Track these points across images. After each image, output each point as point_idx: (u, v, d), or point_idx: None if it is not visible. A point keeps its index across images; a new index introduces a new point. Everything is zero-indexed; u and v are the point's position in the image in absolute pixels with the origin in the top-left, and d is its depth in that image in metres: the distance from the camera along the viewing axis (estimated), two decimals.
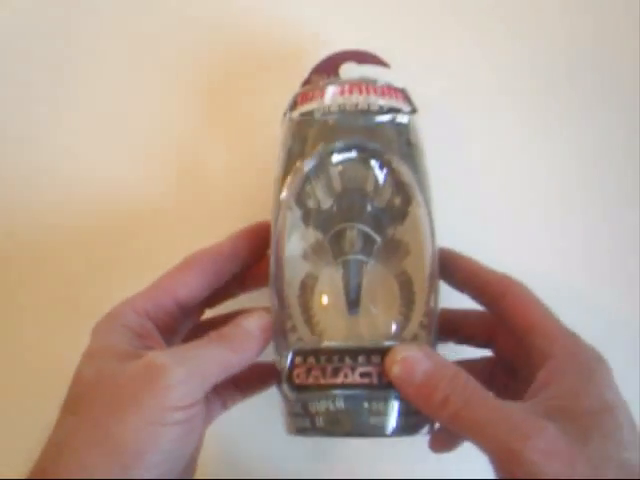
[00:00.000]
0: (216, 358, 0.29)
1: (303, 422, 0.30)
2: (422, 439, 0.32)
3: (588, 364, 0.29)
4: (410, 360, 0.28)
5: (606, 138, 0.39)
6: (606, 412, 0.27)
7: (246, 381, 0.34)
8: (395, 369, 0.28)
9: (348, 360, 0.30)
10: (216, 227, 0.36)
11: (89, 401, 0.28)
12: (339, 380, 0.29)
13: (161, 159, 0.39)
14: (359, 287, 0.31)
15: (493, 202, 0.39)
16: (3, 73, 0.41)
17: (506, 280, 0.32)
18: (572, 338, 0.30)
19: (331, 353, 0.30)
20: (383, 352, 0.29)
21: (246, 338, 0.30)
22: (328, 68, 0.36)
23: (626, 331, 0.37)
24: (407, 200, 0.32)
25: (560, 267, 0.38)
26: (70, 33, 0.41)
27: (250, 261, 0.34)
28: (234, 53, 0.39)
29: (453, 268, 0.33)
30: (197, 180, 0.39)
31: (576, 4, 0.40)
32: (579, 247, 0.38)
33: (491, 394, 0.28)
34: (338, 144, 0.32)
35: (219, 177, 0.39)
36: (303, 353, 0.30)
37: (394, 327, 0.31)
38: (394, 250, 0.32)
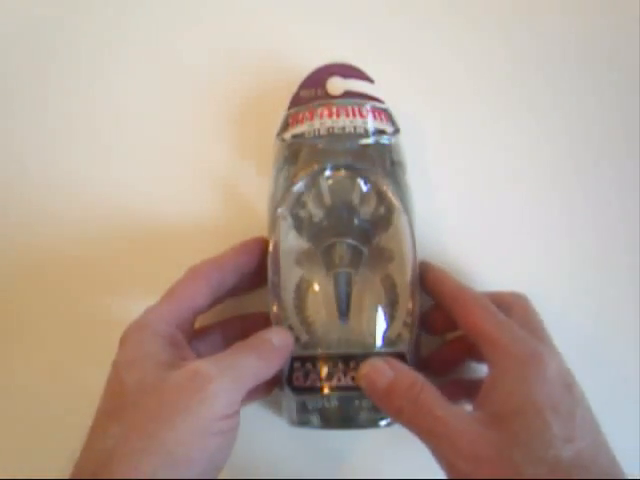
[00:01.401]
0: (251, 368, 0.30)
1: (302, 417, 0.34)
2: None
3: (524, 364, 0.30)
4: (372, 374, 0.31)
5: (595, 156, 0.40)
6: (533, 411, 0.28)
7: None
8: (361, 383, 0.32)
9: (341, 365, 0.34)
10: None
11: (135, 408, 0.28)
12: (333, 383, 0.33)
13: (188, 179, 0.40)
14: (348, 298, 0.35)
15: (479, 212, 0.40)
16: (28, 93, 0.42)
17: (456, 288, 0.34)
18: (513, 340, 0.31)
19: (325, 359, 0.34)
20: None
21: (274, 351, 0.31)
22: (315, 83, 0.38)
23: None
24: (390, 211, 0.36)
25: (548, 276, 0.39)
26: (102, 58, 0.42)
27: (249, 273, 0.35)
28: (266, 80, 0.40)
29: (425, 278, 0.36)
30: (227, 199, 0.40)
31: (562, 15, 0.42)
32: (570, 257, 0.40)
33: (442, 404, 0.29)
34: (327, 166, 0.35)
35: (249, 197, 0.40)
36: (301, 359, 0.34)
37: (381, 329, 0.34)
38: (379, 256, 0.35)
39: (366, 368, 0.32)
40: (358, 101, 0.36)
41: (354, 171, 0.36)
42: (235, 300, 0.38)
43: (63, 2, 0.42)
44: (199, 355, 0.32)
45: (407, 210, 0.36)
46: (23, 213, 0.40)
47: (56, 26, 0.42)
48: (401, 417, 0.30)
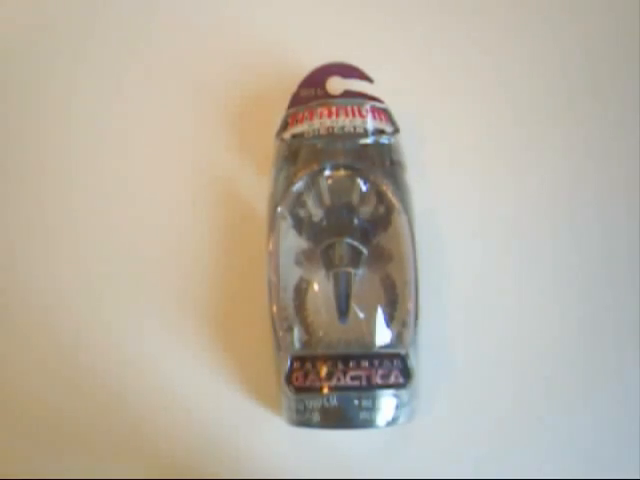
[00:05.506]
0: None
1: (302, 416, 0.34)
2: (421, 439, 0.37)
3: None
4: None
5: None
6: None
7: None
8: None
9: (340, 365, 0.33)
10: (247, 252, 0.38)
11: None
12: (332, 383, 0.33)
13: (188, 179, 0.40)
14: (348, 298, 0.35)
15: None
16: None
17: None
18: None
19: (325, 359, 0.34)
20: (370, 357, 0.34)
21: None
22: (315, 82, 0.38)
23: None
24: (390, 211, 0.36)
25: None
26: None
27: None
28: (266, 80, 0.40)
29: None
30: (227, 199, 0.40)
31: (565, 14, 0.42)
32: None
33: None
34: (326, 165, 0.36)
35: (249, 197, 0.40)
36: (300, 359, 0.34)
37: (380, 329, 0.35)
38: (379, 256, 0.36)
39: None
40: (358, 101, 0.36)
41: (354, 171, 0.36)
42: (234, 299, 0.38)
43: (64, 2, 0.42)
44: None
45: (407, 210, 0.36)
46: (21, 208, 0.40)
47: (57, 27, 0.42)
48: None
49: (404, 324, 0.35)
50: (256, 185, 0.39)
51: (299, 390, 0.34)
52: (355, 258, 0.35)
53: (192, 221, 0.39)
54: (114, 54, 0.42)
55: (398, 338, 0.35)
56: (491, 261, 0.38)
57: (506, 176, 0.40)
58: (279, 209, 0.36)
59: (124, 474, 0.37)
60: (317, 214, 0.36)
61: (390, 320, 0.35)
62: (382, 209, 0.36)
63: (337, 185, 0.36)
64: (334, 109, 0.36)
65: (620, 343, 0.37)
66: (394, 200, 0.36)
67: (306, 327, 0.35)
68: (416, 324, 0.35)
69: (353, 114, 0.36)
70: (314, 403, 0.34)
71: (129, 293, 0.39)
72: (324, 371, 0.34)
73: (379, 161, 0.36)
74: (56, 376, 0.38)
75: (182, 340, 0.38)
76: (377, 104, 0.36)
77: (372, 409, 0.34)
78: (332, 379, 0.33)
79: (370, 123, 0.36)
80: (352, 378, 0.33)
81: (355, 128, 0.35)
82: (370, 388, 0.33)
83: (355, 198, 0.36)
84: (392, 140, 0.36)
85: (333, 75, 0.38)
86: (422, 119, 0.39)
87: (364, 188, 0.36)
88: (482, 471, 0.36)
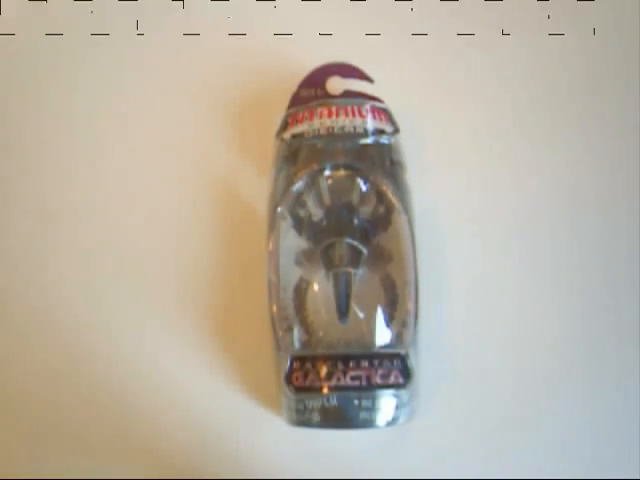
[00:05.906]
0: None
1: (302, 416, 0.34)
2: (421, 439, 0.37)
3: None
4: None
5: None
6: None
7: None
8: None
9: (340, 365, 0.34)
10: (247, 252, 0.38)
11: None
12: (332, 383, 0.33)
13: (188, 179, 0.40)
14: (348, 298, 0.35)
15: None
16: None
17: None
18: None
19: (325, 359, 0.34)
20: (370, 357, 0.34)
21: None
22: (315, 82, 0.38)
23: None
24: (390, 211, 0.36)
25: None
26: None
27: None
28: (266, 80, 0.40)
29: None
30: (227, 199, 0.40)
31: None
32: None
33: None
34: (326, 165, 0.36)
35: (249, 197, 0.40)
36: (300, 359, 0.34)
37: (380, 329, 0.35)
38: (379, 256, 0.36)
39: None
40: (358, 101, 0.36)
41: (354, 171, 0.36)
42: (234, 299, 0.38)
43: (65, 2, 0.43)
44: None
45: (407, 210, 0.36)
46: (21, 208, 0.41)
47: (58, 27, 0.42)
48: None
49: (404, 324, 0.35)
50: (256, 185, 0.39)
51: (299, 390, 0.34)
52: (355, 258, 0.35)
53: (192, 221, 0.39)
54: (114, 54, 0.42)
55: (398, 338, 0.35)
56: (491, 261, 0.38)
57: (506, 176, 0.40)
58: (279, 209, 0.36)
59: (124, 474, 0.37)
60: (317, 214, 0.36)
61: (390, 320, 0.35)
62: (382, 209, 0.36)
63: (337, 185, 0.36)
64: (334, 109, 0.36)
65: (620, 343, 0.37)
66: (394, 200, 0.36)
67: (306, 327, 0.35)
68: (416, 324, 0.35)
69: (353, 114, 0.36)
70: (314, 403, 0.34)
71: (129, 293, 0.39)
72: (324, 371, 0.34)
73: (379, 161, 0.36)
74: (56, 376, 0.38)
75: (182, 340, 0.38)
76: (377, 104, 0.36)
77: (372, 409, 0.34)
78: (332, 379, 0.33)
79: (370, 123, 0.36)
80: (352, 378, 0.33)
81: (355, 128, 0.35)
82: (370, 388, 0.33)
83: (355, 198, 0.36)
84: (392, 140, 0.36)
85: (333, 75, 0.38)
86: (422, 119, 0.39)
87: (364, 188, 0.36)
88: (482, 471, 0.36)
